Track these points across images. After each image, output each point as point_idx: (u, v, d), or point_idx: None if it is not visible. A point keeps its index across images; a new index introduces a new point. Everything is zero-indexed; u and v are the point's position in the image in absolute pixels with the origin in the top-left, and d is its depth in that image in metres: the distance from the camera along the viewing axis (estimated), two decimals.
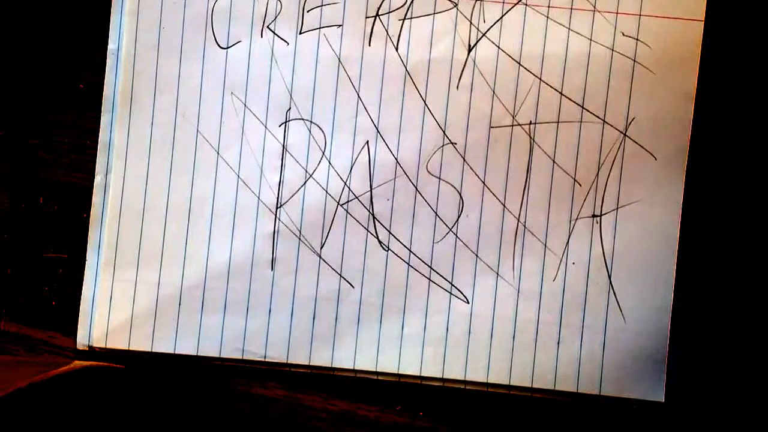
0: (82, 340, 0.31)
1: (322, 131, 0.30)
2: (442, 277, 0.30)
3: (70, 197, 0.31)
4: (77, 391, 0.27)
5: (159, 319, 0.30)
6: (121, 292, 0.30)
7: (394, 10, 0.30)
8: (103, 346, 0.30)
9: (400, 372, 0.30)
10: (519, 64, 0.29)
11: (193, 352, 0.30)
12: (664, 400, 0.30)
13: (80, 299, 0.31)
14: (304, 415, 0.31)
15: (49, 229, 0.31)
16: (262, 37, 0.30)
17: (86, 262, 0.31)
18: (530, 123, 0.30)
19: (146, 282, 0.30)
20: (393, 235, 0.30)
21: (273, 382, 0.31)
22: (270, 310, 0.30)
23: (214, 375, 0.31)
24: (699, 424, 0.30)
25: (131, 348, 0.30)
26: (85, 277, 0.31)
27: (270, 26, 0.30)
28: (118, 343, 0.30)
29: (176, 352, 0.30)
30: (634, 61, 0.29)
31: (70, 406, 0.26)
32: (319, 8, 0.30)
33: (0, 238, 0.31)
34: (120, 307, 0.30)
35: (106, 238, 0.30)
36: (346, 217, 0.30)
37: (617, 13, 0.29)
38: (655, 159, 0.29)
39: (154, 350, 0.30)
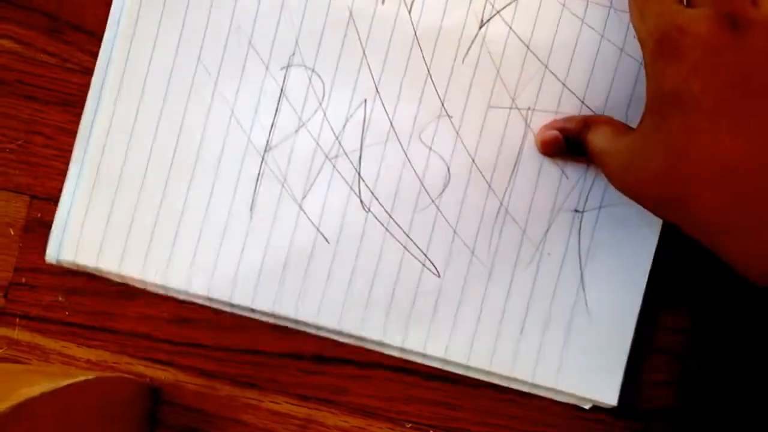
0: (51, 253, 0.30)
1: (322, 82, 0.30)
2: (418, 247, 0.30)
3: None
4: (90, 402, 0.26)
5: (131, 241, 0.30)
6: (98, 209, 0.30)
7: None
8: (71, 260, 0.30)
9: (363, 336, 0.30)
10: (527, 47, 0.29)
11: (160, 282, 0.30)
12: (617, 404, 0.30)
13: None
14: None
15: None
16: None
17: (67, 176, 0.30)
18: (528, 108, 0.30)
19: (124, 204, 0.30)
20: (376, 197, 0.30)
21: (283, 396, 0.31)
22: (242, 251, 0.30)
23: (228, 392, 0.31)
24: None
25: (99, 266, 0.30)
26: (64, 190, 0.30)
27: None
28: (87, 259, 0.30)
29: (144, 279, 0.30)
30: (641, 64, 0.29)
31: (83, 416, 0.26)
32: None
33: (14, 247, 0.31)
34: (94, 224, 0.30)
35: (91, 151, 0.30)
36: (333, 172, 0.30)
37: None
38: None
39: (121, 272, 0.30)
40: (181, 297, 0.30)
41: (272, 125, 0.30)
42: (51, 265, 0.31)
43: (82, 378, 0.25)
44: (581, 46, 0.29)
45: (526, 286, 0.30)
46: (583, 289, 0.30)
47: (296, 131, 0.30)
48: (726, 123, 0.22)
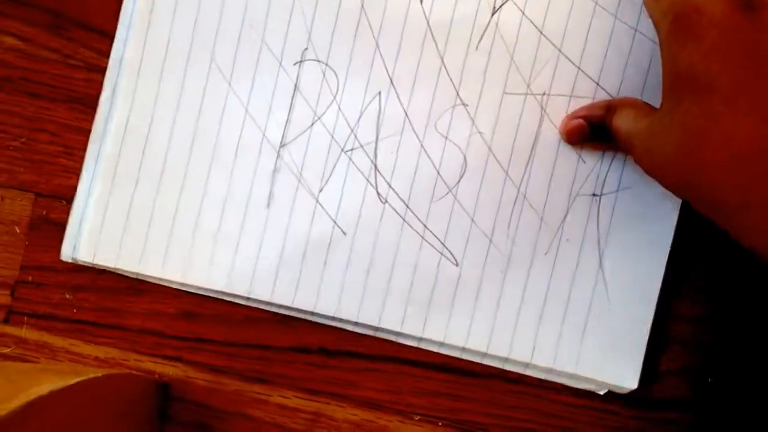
0: (66, 252, 0.30)
1: (336, 75, 0.30)
2: (435, 236, 0.30)
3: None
4: (99, 399, 0.26)
5: (150, 240, 0.30)
6: (115, 209, 0.30)
7: None
8: (89, 260, 0.30)
9: (381, 326, 0.30)
10: (541, 32, 0.29)
11: (179, 279, 0.30)
12: (636, 387, 0.30)
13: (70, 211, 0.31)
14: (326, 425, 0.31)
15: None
16: None
17: (82, 174, 0.31)
18: (544, 94, 0.30)
19: (142, 202, 0.30)
20: (392, 188, 0.30)
21: (292, 391, 0.31)
22: (260, 246, 0.30)
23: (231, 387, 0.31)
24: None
25: (118, 266, 0.30)
26: (79, 189, 0.30)
27: None
28: (105, 259, 0.30)
29: (163, 277, 0.30)
30: (654, 43, 0.29)
31: (92, 414, 0.26)
32: None
33: (20, 245, 0.31)
34: (111, 224, 0.30)
35: (108, 149, 0.30)
36: (349, 165, 0.30)
37: None
38: None
39: (140, 271, 0.30)
40: (197, 291, 0.31)
41: (287, 120, 0.30)
42: (57, 263, 0.31)
43: (91, 376, 0.25)
44: (594, 28, 0.29)
45: (544, 272, 0.30)
46: (603, 274, 0.30)
47: (311, 125, 0.30)
48: (743, 104, 0.21)
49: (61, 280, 0.31)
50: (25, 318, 0.31)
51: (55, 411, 0.23)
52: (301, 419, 0.31)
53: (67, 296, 0.31)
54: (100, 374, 0.26)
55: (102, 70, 0.31)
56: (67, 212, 0.31)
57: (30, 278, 0.31)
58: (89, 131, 0.31)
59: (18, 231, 0.31)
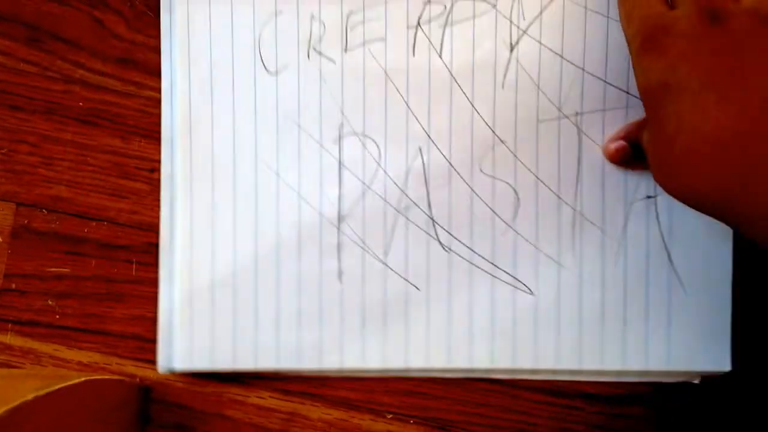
0: (163, 365, 0.32)
1: (376, 143, 0.31)
2: (505, 272, 0.31)
3: (69, 211, 0.32)
4: (82, 403, 0.27)
5: (237, 338, 0.31)
6: (201, 317, 0.31)
7: (434, 18, 0.30)
8: (187, 368, 0.32)
9: (473, 367, 0.31)
10: (561, 57, 0.30)
11: (274, 366, 0.31)
12: (730, 369, 0.30)
13: (156, 326, 0.32)
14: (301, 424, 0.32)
15: (52, 243, 0.32)
16: (309, 59, 0.31)
17: (159, 291, 0.32)
18: (576, 114, 0.30)
19: (223, 306, 0.31)
20: (453, 236, 0.31)
21: (268, 391, 0.32)
22: (342, 321, 0.31)
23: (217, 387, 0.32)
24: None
25: (214, 368, 0.32)
26: (160, 305, 0.32)
27: (316, 48, 0.31)
28: (201, 364, 0.31)
29: (258, 368, 0.32)
30: None
31: (76, 418, 0.26)
32: (362, 25, 0.30)
33: (3, 254, 0.32)
34: (201, 331, 0.31)
35: (179, 267, 0.31)
36: (407, 224, 0.31)
37: None
38: None
39: (235, 368, 0.32)
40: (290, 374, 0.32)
41: (339, 196, 0.31)
42: (40, 270, 0.32)
43: (74, 381, 0.26)
44: (612, 40, 0.30)
45: (618, 281, 0.30)
46: (674, 268, 0.30)
47: (363, 195, 0.31)
48: (713, 98, 0.22)
49: (44, 287, 0.32)
50: (10, 325, 0.32)
51: (40, 416, 0.23)
52: (277, 419, 0.32)
53: (50, 303, 0.32)
54: (83, 379, 0.27)
55: (79, 81, 0.32)
56: (48, 221, 0.32)
57: (13, 286, 0.32)
58: (68, 141, 0.32)
59: (0, 240, 0.32)
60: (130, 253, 0.32)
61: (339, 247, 0.31)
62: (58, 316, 0.32)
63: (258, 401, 0.32)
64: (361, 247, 0.31)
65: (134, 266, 0.32)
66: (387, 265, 0.31)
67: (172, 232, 0.32)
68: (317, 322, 0.31)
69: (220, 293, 0.31)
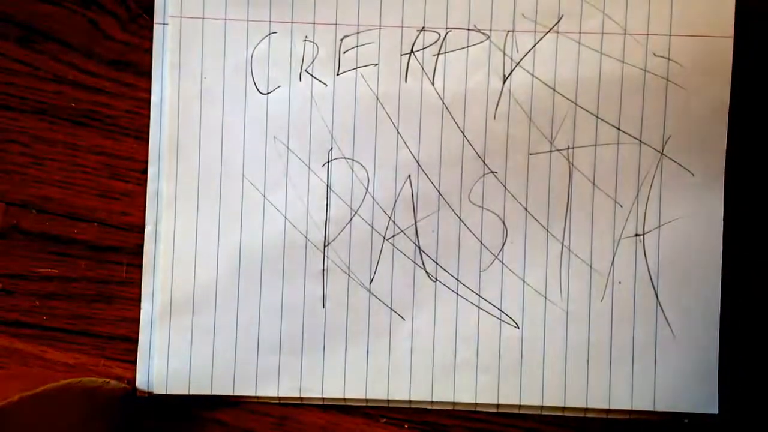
0: (141, 387, 0.31)
1: (365, 168, 0.30)
2: (491, 304, 0.30)
3: (60, 212, 0.32)
4: (69, 405, 0.27)
5: (216, 362, 0.31)
6: (179, 338, 0.31)
7: (428, 46, 0.30)
8: (163, 392, 0.31)
9: (455, 401, 0.30)
10: (554, 90, 0.30)
11: (252, 393, 0.31)
12: (717, 412, 0.30)
13: (137, 343, 0.31)
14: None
15: (41, 244, 0.32)
16: (300, 80, 0.30)
17: (141, 310, 0.31)
18: (568, 147, 0.30)
19: (202, 327, 0.31)
20: (440, 266, 0.30)
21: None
22: (324, 347, 0.30)
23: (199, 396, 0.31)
24: None
25: (191, 393, 0.31)
26: (141, 324, 0.31)
27: (308, 70, 0.30)
28: (179, 388, 0.31)
29: (235, 394, 0.31)
30: (667, 80, 0.30)
31: (63, 419, 0.26)
32: (355, 49, 0.30)
33: None
34: (178, 353, 0.31)
35: (160, 285, 0.31)
36: (393, 251, 0.30)
37: (648, 34, 0.30)
38: (693, 175, 0.30)
39: (213, 393, 0.31)
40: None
41: (326, 220, 0.31)
42: (28, 271, 0.31)
43: (61, 382, 0.26)
44: (605, 76, 0.30)
45: (605, 318, 0.30)
46: (661, 308, 0.30)
47: (350, 221, 0.31)
48: None
49: (32, 288, 0.32)
50: None
51: (25, 416, 0.23)
52: (270, 423, 0.31)
53: (38, 304, 0.32)
54: (70, 380, 0.27)
55: (71, 82, 0.31)
56: (37, 221, 0.31)
57: (1, 286, 0.32)
58: (59, 141, 0.32)
59: None
60: (119, 255, 0.32)
61: (324, 272, 0.31)
62: (45, 318, 0.32)
63: (250, 405, 0.32)
64: (346, 273, 0.31)
65: (124, 268, 0.32)
66: (372, 293, 0.30)
67: (156, 249, 0.31)
68: (298, 348, 0.31)
69: (200, 315, 0.31)
